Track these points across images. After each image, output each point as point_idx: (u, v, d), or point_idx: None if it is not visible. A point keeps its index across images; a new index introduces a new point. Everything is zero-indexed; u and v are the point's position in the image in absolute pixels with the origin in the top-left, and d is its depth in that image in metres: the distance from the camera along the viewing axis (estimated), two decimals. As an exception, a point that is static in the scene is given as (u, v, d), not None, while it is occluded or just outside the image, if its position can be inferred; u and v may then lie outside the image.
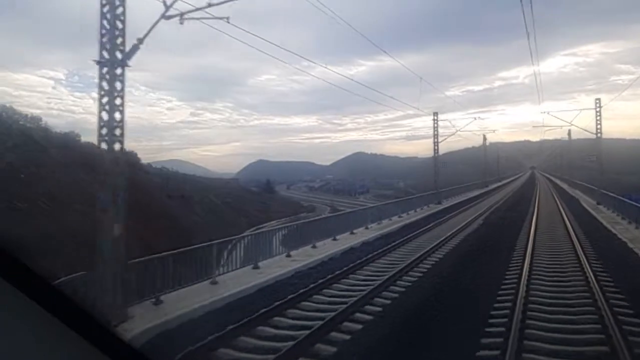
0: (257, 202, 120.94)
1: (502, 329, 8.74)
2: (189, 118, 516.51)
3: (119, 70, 9.91)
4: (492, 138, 69.87)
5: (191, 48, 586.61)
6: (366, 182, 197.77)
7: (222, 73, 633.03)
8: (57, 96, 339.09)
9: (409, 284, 13.08)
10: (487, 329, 8.87)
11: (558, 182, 77.45)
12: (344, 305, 10.38)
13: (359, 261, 15.67)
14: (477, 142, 78.96)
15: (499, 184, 76.20)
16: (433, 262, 16.00)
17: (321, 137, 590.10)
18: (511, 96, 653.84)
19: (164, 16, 10.90)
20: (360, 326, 9.39)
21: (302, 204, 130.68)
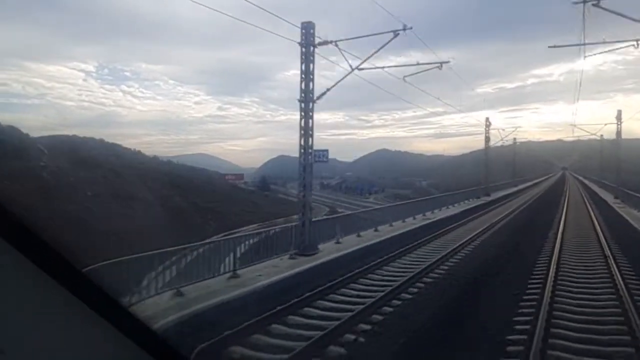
0: (246, 201, 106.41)
1: None
2: (216, 112, 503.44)
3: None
4: (520, 136, 51.08)
5: (219, 41, 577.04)
6: (386, 181, 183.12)
7: (250, 67, 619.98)
8: (87, 88, 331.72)
9: None
10: None
11: (596, 188, 54.18)
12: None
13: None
14: (508, 139, 61.00)
15: (514, 189, 53.83)
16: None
17: (347, 134, 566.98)
18: (545, 94, 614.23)
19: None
20: None
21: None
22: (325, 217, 26.69)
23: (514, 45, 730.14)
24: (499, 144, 43.86)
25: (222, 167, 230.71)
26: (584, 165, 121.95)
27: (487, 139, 40.07)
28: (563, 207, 31.92)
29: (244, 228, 64.91)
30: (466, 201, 35.17)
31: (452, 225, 22.48)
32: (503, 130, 42.51)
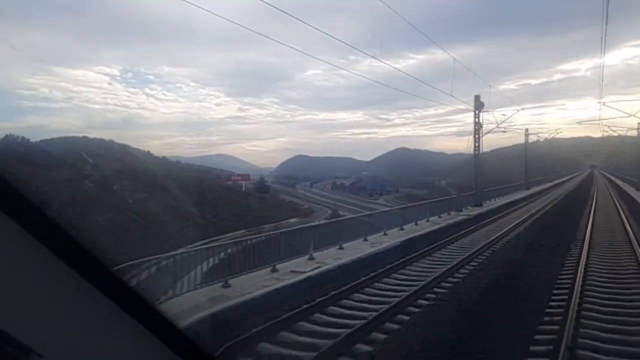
0: (239, 204, 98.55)
1: None
2: (237, 113, 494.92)
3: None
4: (534, 127, 39.38)
5: (239, 43, 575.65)
6: (403, 180, 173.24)
7: (269, 68, 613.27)
8: (112, 92, 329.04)
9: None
10: None
11: (633, 192, 40.29)
12: None
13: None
14: (531, 137, 51.62)
15: (523, 194, 40.61)
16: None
17: (367, 133, 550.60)
18: (571, 90, 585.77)
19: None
20: None
21: (301, 206, 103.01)
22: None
23: (538, 40, 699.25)
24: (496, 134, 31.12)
25: (241, 167, 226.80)
26: (614, 162, 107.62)
27: (478, 126, 27.34)
28: (585, 235, 18.04)
29: (229, 234, 57.06)
30: (431, 219, 22.47)
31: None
32: (503, 114, 29.46)
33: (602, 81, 29.82)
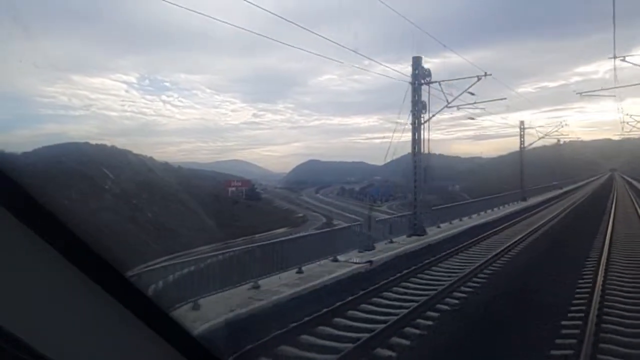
0: (225, 213, 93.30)
1: None
2: (252, 119, 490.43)
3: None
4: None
5: (254, 49, 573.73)
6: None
7: (284, 74, 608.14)
8: (130, 99, 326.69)
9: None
10: None
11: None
12: None
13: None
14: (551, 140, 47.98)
15: (505, 212, 29.15)
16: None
17: (382, 137, 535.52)
18: (590, 93, 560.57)
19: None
20: None
21: (296, 215, 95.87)
22: None
23: (554, 43, 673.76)
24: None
25: (255, 172, 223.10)
26: (636, 165, 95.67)
27: (419, 107, 16.08)
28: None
29: (200, 248, 49.20)
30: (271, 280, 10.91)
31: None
32: (473, 94, 18.34)
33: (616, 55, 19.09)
